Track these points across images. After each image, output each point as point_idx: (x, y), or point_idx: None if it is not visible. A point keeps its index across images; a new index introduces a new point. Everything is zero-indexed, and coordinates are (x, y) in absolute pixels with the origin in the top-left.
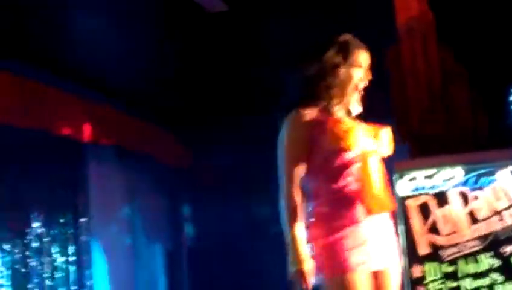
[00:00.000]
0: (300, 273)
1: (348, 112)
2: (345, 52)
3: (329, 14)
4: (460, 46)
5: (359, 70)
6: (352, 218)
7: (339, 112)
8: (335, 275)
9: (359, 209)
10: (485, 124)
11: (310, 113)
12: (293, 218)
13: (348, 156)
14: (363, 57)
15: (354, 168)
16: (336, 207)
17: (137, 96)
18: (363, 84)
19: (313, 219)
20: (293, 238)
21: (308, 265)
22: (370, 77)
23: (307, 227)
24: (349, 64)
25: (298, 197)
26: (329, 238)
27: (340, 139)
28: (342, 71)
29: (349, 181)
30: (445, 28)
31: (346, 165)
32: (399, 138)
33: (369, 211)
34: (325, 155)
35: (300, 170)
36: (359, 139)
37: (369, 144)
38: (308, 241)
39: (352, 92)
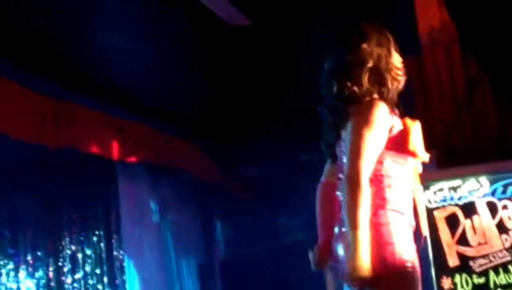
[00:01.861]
0: (361, 282)
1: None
2: (386, 37)
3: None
4: (485, 54)
5: (396, 53)
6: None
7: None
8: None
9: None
10: None
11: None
12: (363, 212)
13: (412, 162)
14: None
15: (408, 175)
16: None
17: (166, 113)
18: (403, 68)
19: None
20: (360, 239)
21: (369, 274)
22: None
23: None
24: (392, 48)
25: (368, 189)
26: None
27: (415, 145)
28: (390, 57)
29: (406, 187)
30: (468, 36)
31: (407, 171)
32: (425, 148)
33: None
34: (396, 155)
35: (374, 161)
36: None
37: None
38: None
39: (402, 77)
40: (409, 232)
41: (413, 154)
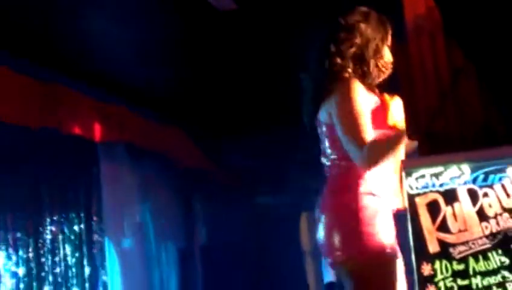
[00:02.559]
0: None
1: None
2: (384, 26)
3: (338, 14)
4: (469, 42)
5: (388, 50)
6: (387, 204)
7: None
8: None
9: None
10: (497, 120)
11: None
12: (387, 150)
13: None
14: (390, 36)
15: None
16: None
17: (151, 96)
18: (390, 62)
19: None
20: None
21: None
22: (391, 57)
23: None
24: (387, 39)
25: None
26: (367, 221)
27: (400, 121)
28: (382, 46)
29: (388, 168)
30: (452, 23)
31: None
32: (409, 135)
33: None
34: (376, 132)
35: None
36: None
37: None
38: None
39: (387, 68)
40: (388, 216)
41: (393, 129)
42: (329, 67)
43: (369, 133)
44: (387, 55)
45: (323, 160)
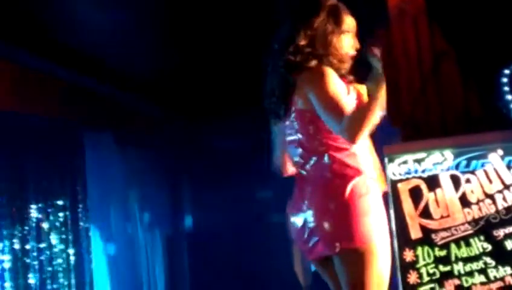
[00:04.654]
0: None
1: None
2: (336, 18)
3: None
4: (452, 28)
5: (349, 36)
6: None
7: None
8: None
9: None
10: (477, 106)
11: None
12: (367, 115)
13: None
14: (352, 23)
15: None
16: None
17: (136, 82)
18: (353, 51)
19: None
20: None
21: None
22: (358, 45)
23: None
24: (341, 30)
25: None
26: (349, 206)
27: None
28: (335, 39)
29: (361, 153)
30: (436, 9)
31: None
32: (390, 121)
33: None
34: None
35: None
36: None
37: None
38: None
39: (345, 60)
40: (381, 198)
41: None
42: (288, 64)
43: (349, 106)
44: (347, 45)
45: (299, 157)
